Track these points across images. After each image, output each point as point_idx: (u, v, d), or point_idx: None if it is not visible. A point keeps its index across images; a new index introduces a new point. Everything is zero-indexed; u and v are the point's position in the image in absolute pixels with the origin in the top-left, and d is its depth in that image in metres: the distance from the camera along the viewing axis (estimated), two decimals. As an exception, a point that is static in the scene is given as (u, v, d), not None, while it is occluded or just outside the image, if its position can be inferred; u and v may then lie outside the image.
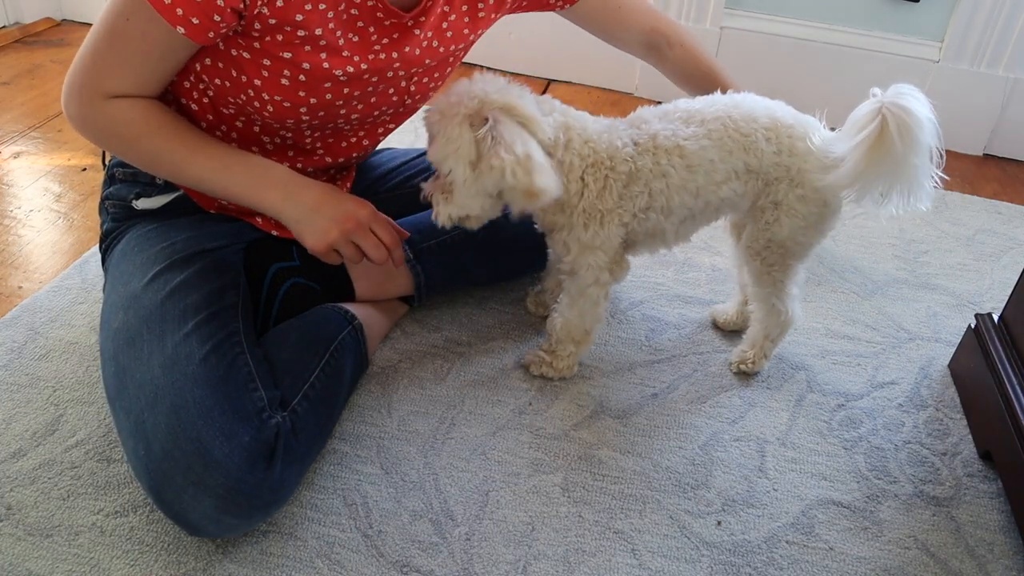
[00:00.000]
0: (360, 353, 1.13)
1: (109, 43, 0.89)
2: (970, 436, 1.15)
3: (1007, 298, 1.17)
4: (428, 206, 1.27)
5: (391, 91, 1.04)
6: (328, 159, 1.13)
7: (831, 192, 1.05)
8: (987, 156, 2.02)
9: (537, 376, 1.20)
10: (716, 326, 1.33)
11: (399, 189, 1.30)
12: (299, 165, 1.11)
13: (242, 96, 0.96)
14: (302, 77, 0.93)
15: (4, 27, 2.25)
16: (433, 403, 1.15)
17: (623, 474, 1.06)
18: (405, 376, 1.19)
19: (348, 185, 1.23)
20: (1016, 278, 1.20)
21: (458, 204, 0.99)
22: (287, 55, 0.91)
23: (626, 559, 0.95)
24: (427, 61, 1.03)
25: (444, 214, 1.01)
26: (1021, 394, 1.06)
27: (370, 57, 0.96)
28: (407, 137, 1.81)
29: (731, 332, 1.31)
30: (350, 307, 1.15)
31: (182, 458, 0.85)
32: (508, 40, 2.22)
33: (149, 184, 1.09)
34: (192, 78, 0.99)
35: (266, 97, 0.95)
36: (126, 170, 1.10)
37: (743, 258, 1.16)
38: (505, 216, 1.14)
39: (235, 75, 0.94)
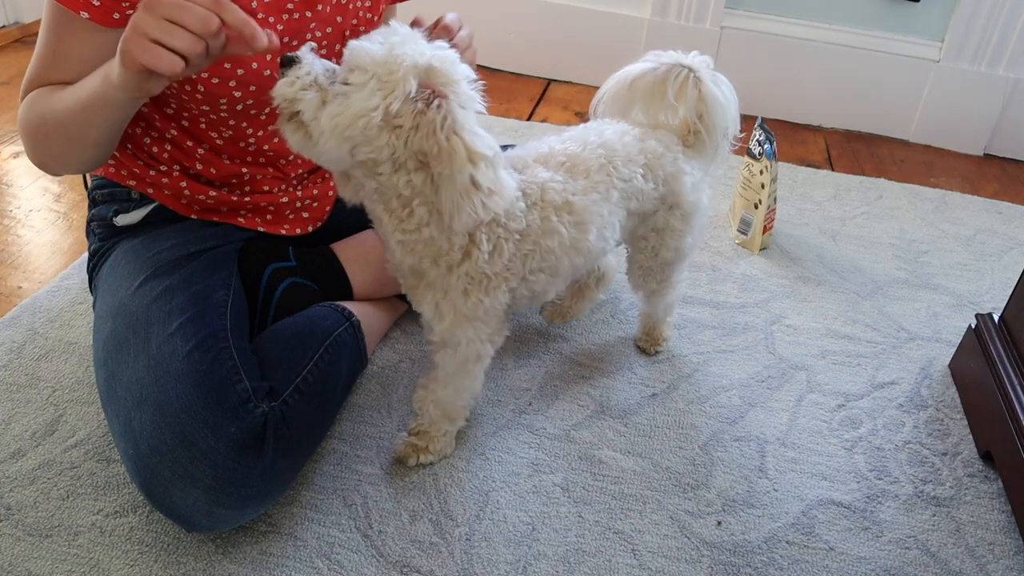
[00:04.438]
0: (358, 350, 1.13)
1: (50, 55, 0.91)
2: (970, 436, 1.15)
3: (1007, 298, 1.17)
4: None
5: None
6: (283, 156, 1.11)
7: (697, 200, 1.08)
8: (987, 156, 2.02)
9: (415, 466, 1.04)
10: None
11: None
12: (269, 169, 1.10)
13: (173, 85, 0.96)
14: None
15: (4, 27, 2.25)
16: (433, 403, 1.15)
17: (623, 474, 1.06)
18: (405, 376, 1.19)
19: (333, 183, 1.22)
20: (1016, 278, 1.20)
21: (316, 141, 0.79)
22: None
23: (626, 559, 0.95)
24: (338, 19, 1.02)
25: (301, 138, 0.81)
26: (1021, 394, 1.06)
27: (284, 17, 0.95)
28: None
29: (730, 331, 1.31)
30: (348, 305, 1.15)
31: (168, 452, 0.85)
32: (508, 40, 2.22)
33: (126, 200, 1.10)
34: None
35: (192, 76, 0.94)
36: (104, 191, 1.11)
37: (635, 284, 1.17)
38: None
39: None
